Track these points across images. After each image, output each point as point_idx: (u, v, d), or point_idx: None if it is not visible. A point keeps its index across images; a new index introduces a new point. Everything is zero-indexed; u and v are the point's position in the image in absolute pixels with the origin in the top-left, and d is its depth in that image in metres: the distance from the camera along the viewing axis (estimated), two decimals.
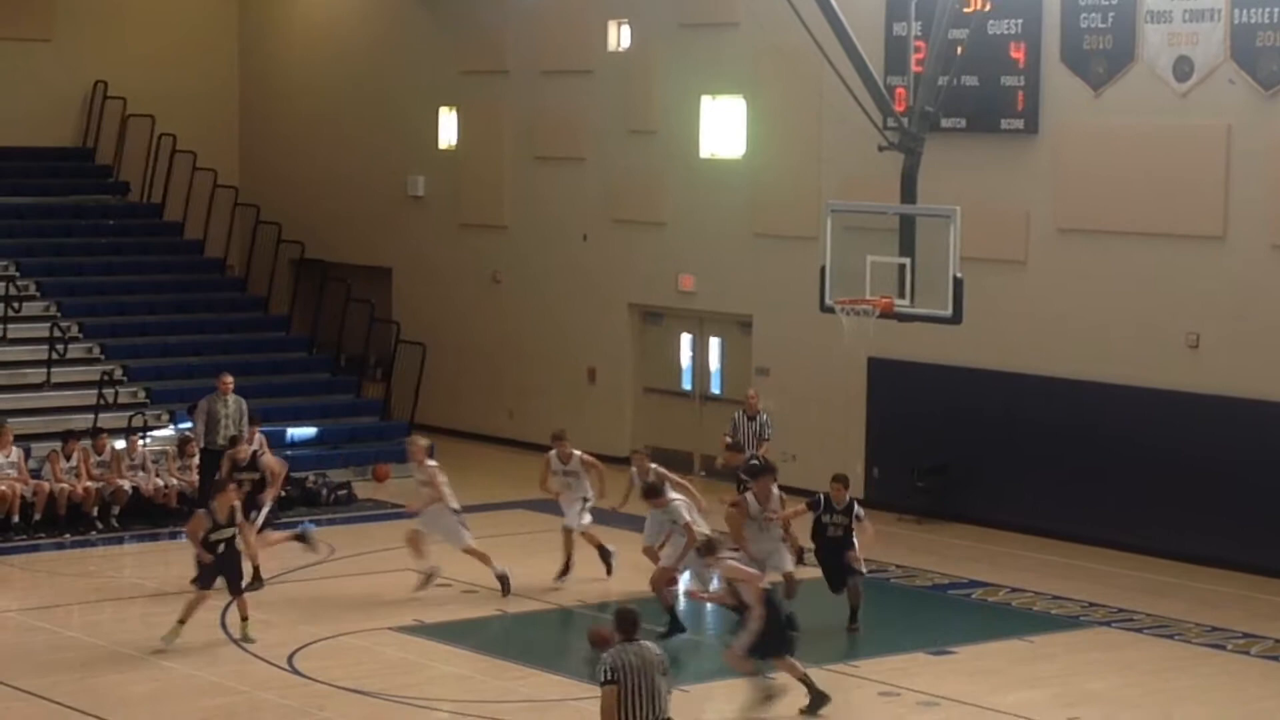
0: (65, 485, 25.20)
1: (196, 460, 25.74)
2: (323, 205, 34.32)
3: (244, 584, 20.19)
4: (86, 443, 25.76)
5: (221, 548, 19.64)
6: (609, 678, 13.23)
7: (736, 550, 19.39)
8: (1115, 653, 19.94)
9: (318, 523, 24.92)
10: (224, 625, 20.09)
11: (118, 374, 28.61)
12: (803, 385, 27.66)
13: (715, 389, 29.45)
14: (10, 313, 29.01)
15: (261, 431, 26.62)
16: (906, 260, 20.76)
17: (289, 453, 27.63)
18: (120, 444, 26.11)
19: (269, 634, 20.02)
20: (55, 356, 28.28)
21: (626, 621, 13.68)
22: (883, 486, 26.67)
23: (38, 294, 30.14)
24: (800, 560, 21.03)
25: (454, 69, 32.46)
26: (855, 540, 20.41)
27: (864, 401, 27.04)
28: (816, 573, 20.80)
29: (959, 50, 22.81)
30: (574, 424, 25.59)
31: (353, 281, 32.84)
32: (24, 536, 24.76)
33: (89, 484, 25.33)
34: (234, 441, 23.15)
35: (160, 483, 25.78)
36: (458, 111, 32.77)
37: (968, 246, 20.67)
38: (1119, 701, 18.28)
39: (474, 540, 21.92)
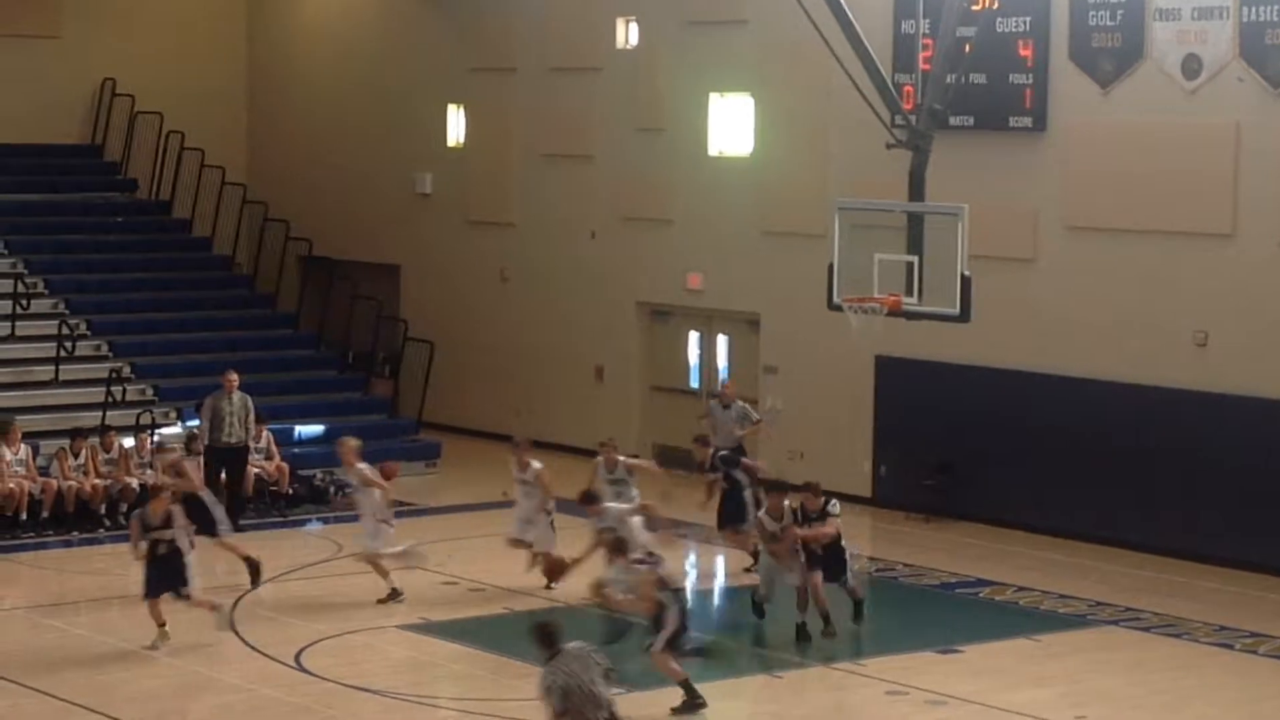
0: (73, 483, 25.19)
1: (202, 459, 25.72)
2: (331, 202, 34.28)
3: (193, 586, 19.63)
4: (94, 440, 25.74)
5: (162, 549, 19.43)
6: (559, 710, 13.32)
7: (651, 556, 18.64)
8: (1123, 652, 19.92)
9: (324, 520, 24.90)
10: (232, 624, 20.09)
11: (125, 371, 28.60)
12: (810, 383, 27.64)
13: None
14: (18, 310, 28.98)
15: (269, 429, 26.76)
16: (915, 258, 20.70)
17: (296, 450, 27.67)
18: (128, 441, 26.11)
19: (277, 632, 20.03)
20: (63, 354, 28.25)
21: (547, 636, 13.70)
22: (890, 484, 26.65)
23: (46, 291, 30.13)
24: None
25: (462, 66, 32.42)
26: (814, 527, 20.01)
27: (871, 400, 27.00)
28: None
29: (967, 48, 22.76)
30: (581, 422, 25.57)
31: (360, 279, 32.83)
32: (32, 534, 24.78)
33: (97, 481, 25.32)
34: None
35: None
36: (466, 109, 32.72)
37: (976, 244, 20.62)
38: (1126, 700, 18.25)
39: (387, 548, 21.48)
